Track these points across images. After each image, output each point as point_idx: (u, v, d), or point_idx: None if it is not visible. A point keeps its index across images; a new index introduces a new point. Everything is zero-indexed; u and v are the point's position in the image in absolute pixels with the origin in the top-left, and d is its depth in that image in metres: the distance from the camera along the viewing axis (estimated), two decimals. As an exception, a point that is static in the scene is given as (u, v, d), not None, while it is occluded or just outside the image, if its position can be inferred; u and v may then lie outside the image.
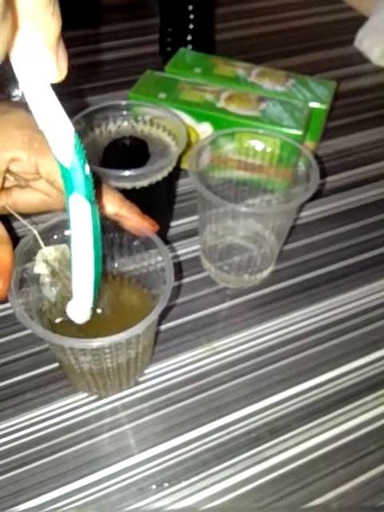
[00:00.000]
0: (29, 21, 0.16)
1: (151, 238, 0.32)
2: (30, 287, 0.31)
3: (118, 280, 0.37)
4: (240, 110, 0.46)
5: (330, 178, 0.53)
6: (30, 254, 0.31)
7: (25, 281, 0.31)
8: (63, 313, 0.30)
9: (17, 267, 0.30)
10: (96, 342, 0.27)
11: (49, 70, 0.17)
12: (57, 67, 0.17)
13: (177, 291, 0.42)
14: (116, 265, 0.36)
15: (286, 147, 0.41)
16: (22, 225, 0.32)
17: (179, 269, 0.44)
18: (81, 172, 0.19)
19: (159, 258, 0.32)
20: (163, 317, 0.40)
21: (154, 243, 0.32)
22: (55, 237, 0.32)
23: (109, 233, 0.34)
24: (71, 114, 0.22)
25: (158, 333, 0.39)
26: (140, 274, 0.36)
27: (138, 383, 0.36)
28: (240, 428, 0.34)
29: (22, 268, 0.30)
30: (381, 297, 0.43)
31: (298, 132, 0.44)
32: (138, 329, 0.27)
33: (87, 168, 0.20)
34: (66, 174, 0.19)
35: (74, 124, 0.20)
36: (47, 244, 0.31)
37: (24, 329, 0.38)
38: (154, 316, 0.28)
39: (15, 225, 0.40)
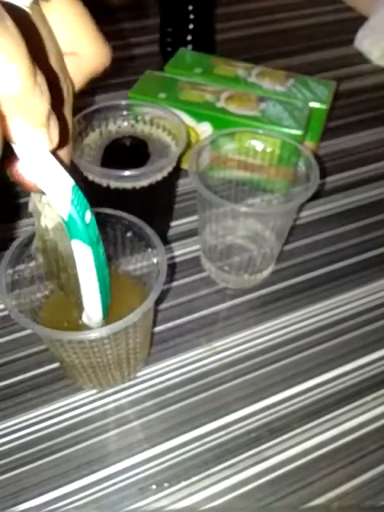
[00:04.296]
0: (17, 110, 0.16)
1: (146, 233, 0.32)
2: (22, 289, 0.31)
3: (117, 279, 0.36)
4: (240, 110, 0.46)
5: (329, 178, 0.53)
6: (23, 256, 0.31)
7: (17, 283, 0.31)
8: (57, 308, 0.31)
9: (8, 269, 0.30)
10: (94, 333, 0.27)
11: (41, 144, 0.18)
12: (48, 139, 0.18)
13: (177, 291, 0.42)
14: (115, 264, 0.36)
15: (286, 147, 0.41)
16: (22, 225, 0.32)
17: (176, 269, 0.44)
18: (79, 222, 0.22)
19: (154, 260, 0.32)
20: (163, 317, 0.40)
21: (149, 238, 0.32)
22: None
23: (108, 229, 0.34)
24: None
25: (155, 333, 0.39)
26: (141, 274, 0.36)
27: (137, 378, 0.36)
28: (240, 428, 0.34)
29: (13, 270, 0.30)
30: (381, 297, 0.43)
31: (298, 132, 0.44)
32: (134, 316, 0.28)
33: (87, 215, 0.22)
34: (66, 223, 0.22)
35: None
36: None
37: (24, 329, 0.38)
38: (149, 304, 0.28)
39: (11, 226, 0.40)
